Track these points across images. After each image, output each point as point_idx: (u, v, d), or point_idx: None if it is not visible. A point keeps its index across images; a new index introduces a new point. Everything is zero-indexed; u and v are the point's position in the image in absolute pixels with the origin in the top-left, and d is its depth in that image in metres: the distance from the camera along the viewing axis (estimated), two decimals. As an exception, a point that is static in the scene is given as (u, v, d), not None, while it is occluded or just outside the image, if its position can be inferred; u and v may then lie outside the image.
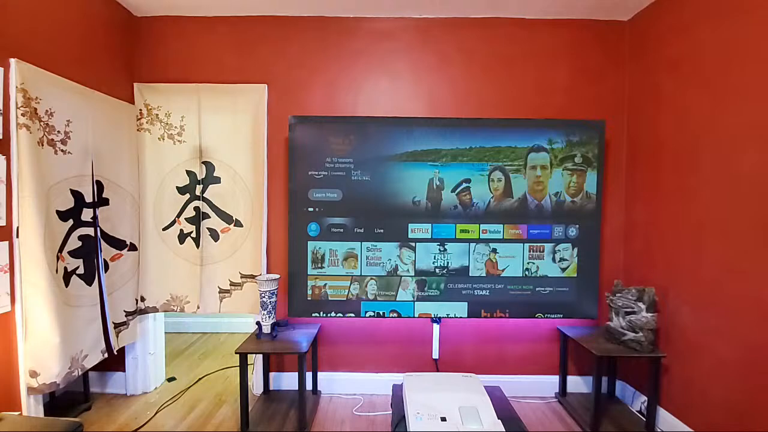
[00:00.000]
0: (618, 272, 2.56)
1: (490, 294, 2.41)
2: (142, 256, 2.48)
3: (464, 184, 2.38)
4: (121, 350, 2.42)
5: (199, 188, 2.49)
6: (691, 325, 2.02)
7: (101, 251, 2.15)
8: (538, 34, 2.51)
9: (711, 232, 1.91)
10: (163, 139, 2.48)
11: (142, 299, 2.49)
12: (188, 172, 2.49)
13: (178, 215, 2.51)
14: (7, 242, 1.68)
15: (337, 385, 2.60)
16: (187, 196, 2.50)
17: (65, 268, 1.93)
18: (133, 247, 2.40)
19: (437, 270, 2.40)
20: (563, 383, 2.54)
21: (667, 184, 2.19)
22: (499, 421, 1.78)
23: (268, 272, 2.52)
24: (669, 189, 2.18)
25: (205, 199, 2.49)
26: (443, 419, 1.78)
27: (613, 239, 2.57)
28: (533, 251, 2.41)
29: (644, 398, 2.29)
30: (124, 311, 2.35)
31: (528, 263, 2.41)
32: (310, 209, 2.38)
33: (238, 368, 2.13)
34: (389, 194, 2.38)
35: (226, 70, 2.50)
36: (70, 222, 1.97)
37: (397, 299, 2.41)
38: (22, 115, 1.69)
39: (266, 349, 2.16)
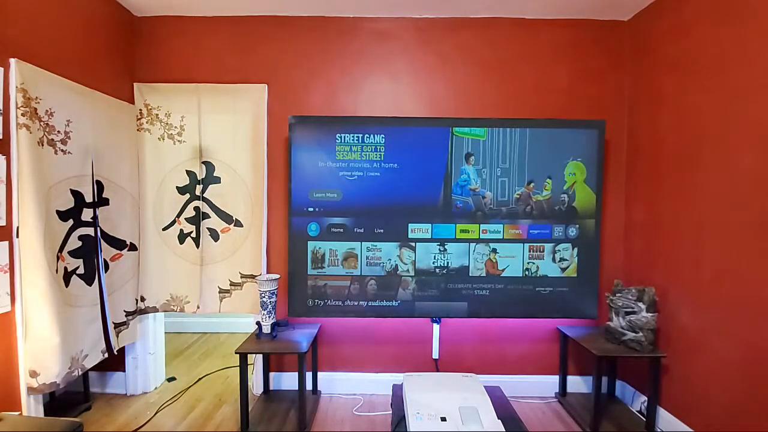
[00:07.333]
0: (618, 272, 2.56)
1: (490, 294, 2.41)
2: (142, 256, 2.48)
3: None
4: (121, 350, 2.42)
5: (199, 188, 2.49)
6: (691, 325, 2.02)
7: (101, 251, 2.15)
8: (538, 34, 2.51)
9: (711, 232, 1.91)
10: (163, 139, 2.48)
11: (142, 299, 2.49)
12: (188, 172, 2.49)
13: (178, 215, 2.51)
14: (7, 242, 1.68)
15: (337, 385, 2.60)
16: (187, 196, 2.50)
17: (65, 268, 1.93)
18: (133, 247, 2.40)
19: (437, 270, 2.40)
20: (563, 383, 2.54)
21: (667, 183, 2.19)
22: (499, 421, 1.79)
23: (268, 272, 2.52)
24: (669, 189, 2.17)
25: (205, 199, 2.49)
26: (443, 419, 1.78)
27: (613, 239, 2.57)
28: (533, 251, 2.41)
29: (644, 398, 2.29)
30: (124, 311, 2.35)
31: (528, 263, 2.41)
32: (310, 209, 2.38)
33: (238, 368, 2.13)
34: (389, 194, 2.37)
35: (227, 70, 2.50)
36: (70, 222, 1.97)
37: (397, 299, 2.41)
38: (22, 115, 1.69)
39: (266, 349, 2.16)
